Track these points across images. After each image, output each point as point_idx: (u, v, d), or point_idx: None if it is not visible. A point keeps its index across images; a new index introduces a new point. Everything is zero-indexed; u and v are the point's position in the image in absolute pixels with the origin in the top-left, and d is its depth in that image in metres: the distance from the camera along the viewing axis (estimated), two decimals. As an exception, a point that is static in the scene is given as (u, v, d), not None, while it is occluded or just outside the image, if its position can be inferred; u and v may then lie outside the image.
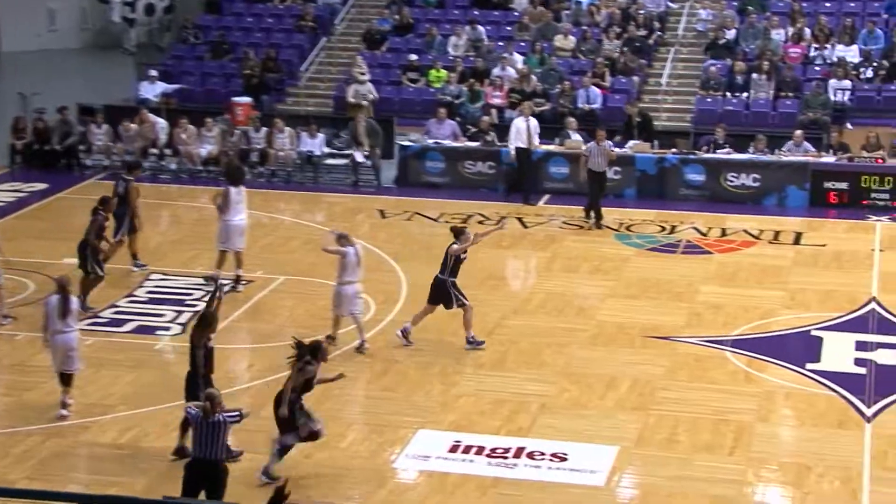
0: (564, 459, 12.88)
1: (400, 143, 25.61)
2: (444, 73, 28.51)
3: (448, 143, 25.27)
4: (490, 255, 20.28)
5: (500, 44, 29.68)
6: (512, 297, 18.04)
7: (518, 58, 28.69)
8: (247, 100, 27.70)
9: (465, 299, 16.13)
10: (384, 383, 14.99)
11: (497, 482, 12.47)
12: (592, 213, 22.04)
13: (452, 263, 16.02)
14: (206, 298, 12.59)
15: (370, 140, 25.47)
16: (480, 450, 13.06)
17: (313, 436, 12.46)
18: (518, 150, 23.73)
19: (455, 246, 16.02)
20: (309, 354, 12.21)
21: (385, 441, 13.30)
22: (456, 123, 25.90)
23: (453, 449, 13.11)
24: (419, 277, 18.91)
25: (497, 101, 27.29)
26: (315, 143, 25.94)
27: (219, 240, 18.30)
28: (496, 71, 28.04)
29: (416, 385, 14.89)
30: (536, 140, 23.97)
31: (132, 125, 26.16)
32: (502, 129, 25.94)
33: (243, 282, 18.26)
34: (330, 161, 25.96)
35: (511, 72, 28.00)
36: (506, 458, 12.91)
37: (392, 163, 25.79)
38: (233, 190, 18.31)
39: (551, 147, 24.34)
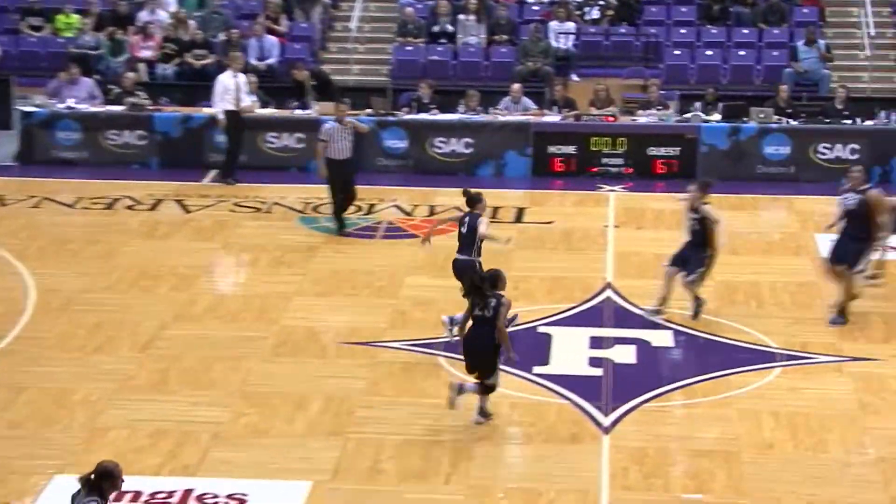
0: (244, 501, 12.86)
1: (21, 109, 25.08)
2: (75, 18, 28.12)
3: (84, 107, 24.84)
4: (142, 249, 20.05)
5: (148, -19, 29.31)
6: (172, 301, 17.82)
7: (171, -1, 28.54)
8: None
9: None
10: (8, 418, 14.57)
11: (159, 536, 12.33)
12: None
13: (480, 241, 16.27)
14: None
15: None
16: (137, 496, 12.88)
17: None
18: (228, 113, 23.30)
19: (483, 218, 16.29)
20: (490, 286, 13.90)
21: (10, 493, 12.94)
22: (94, 82, 25.57)
23: (101, 497, 12.85)
24: (52, 280, 18.47)
25: (146, 53, 27.12)
26: None
27: None
28: (144, 15, 27.87)
29: (51, 418, 14.53)
30: (247, 100, 23.67)
31: None
32: (155, 89, 25.71)
33: None
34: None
35: (163, 16, 27.93)
36: (170, 503, 12.74)
37: (12, 134, 25.16)
38: None
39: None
